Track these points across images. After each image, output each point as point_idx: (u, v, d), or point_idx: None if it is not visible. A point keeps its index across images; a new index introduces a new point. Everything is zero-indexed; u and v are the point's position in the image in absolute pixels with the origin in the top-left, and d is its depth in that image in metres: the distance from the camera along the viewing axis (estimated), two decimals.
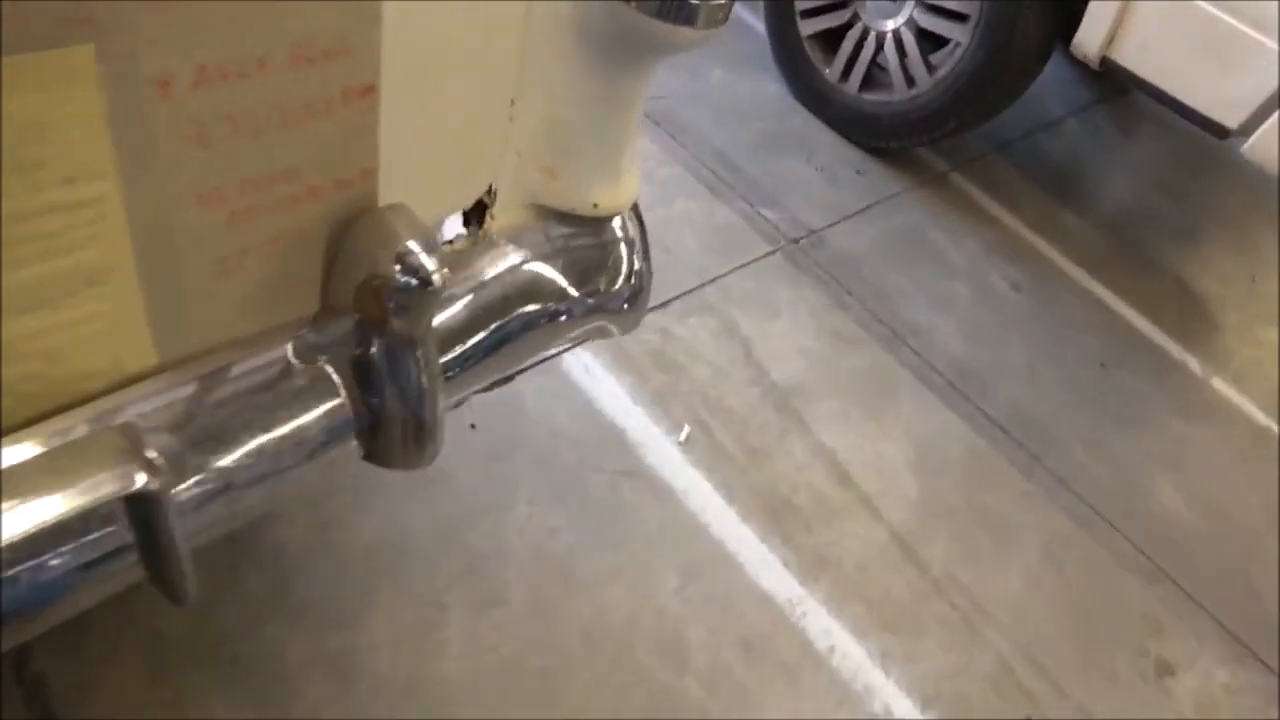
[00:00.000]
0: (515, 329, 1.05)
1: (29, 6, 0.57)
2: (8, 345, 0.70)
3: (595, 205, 1.10)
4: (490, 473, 1.63)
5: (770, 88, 2.73)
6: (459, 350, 1.00)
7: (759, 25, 2.81)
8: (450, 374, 1.00)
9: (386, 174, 0.88)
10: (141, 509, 0.74)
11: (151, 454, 0.76)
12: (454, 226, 1.10)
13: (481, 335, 1.01)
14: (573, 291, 1.08)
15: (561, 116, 1.02)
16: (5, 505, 0.67)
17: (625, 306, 1.20)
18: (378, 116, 0.81)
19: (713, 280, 2.13)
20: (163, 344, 0.81)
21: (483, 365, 1.04)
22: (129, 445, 0.74)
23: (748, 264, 2.20)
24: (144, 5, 0.62)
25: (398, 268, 0.83)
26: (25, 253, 0.67)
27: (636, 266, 1.18)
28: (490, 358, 1.04)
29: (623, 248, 1.16)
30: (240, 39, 0.68)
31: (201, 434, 0.84)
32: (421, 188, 0.95)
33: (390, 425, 0.92)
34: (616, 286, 1.17)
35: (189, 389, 0.85)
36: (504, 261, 1.05)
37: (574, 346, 1.22)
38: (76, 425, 0.76)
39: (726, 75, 2.73)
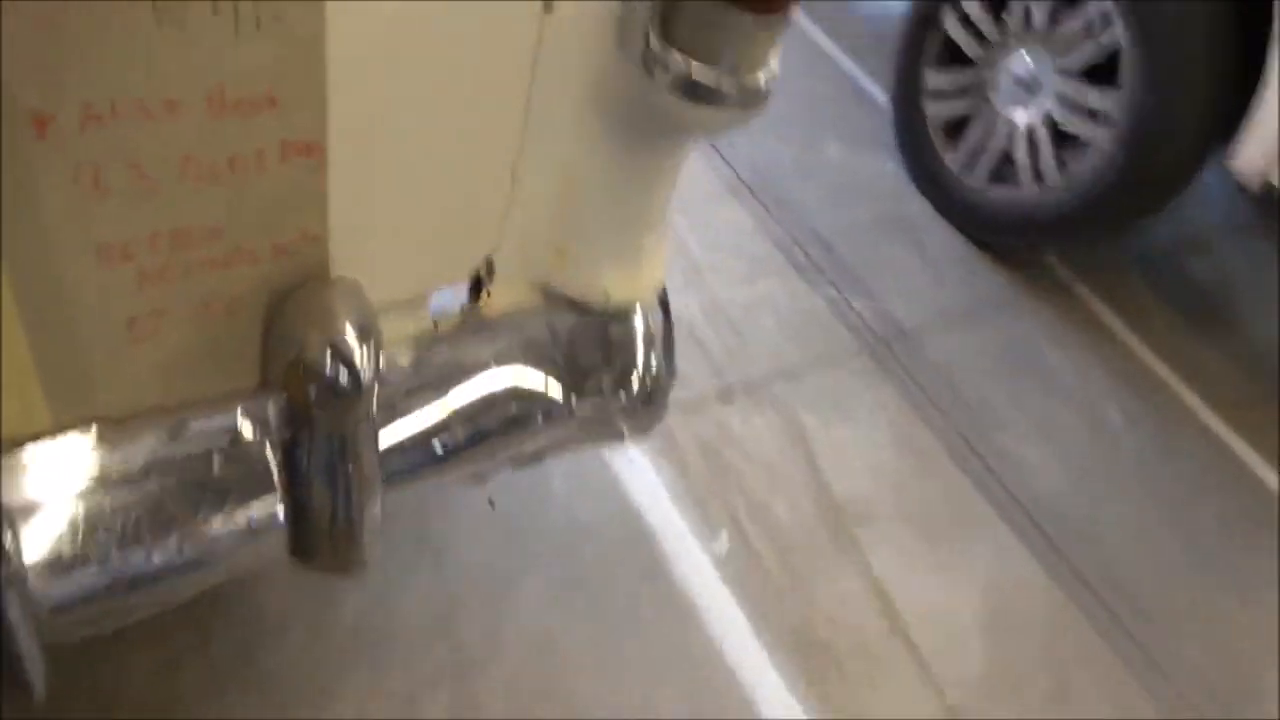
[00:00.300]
0: (491, 427, 0.92)
1: None
2: None
3: (607, 294, 0.98)
4: (500, 556, 1.50)
5: (886, 167, 2.56)
6: (420, 445, 0.88)
7: (883, 98, 2.65)
8: (405, 470, 0.88)
9: (349, 240, 0.78)
10: None
11: (6, 536, 0.66)
12: (451, 298, 1.00)
13: (449, 431, 0.89)
14: (563, 392, 0.95)
15: (573, 192, 0.90)
16: None
17: (636, 408, 1.06)
18: (324, 177, 0.70)
19: (785, 373, 1.96)
20: (59, 404, 0.71)
21: (449, 464, 0.91)
22: None
23: (827, 360, 2.03)
24: (7, 35, 0.53)
25: (327, 354, 0.72)
26: None
27: (653, 365, 1.04)
28: (458, 457, 0.91)
29: (637, 343, 1.02)
30: (138, 77, 0.58)
31: (94, 516, 0.74)
32: (397, 257, 0.85)
33: (313, 523, 0.80)
34: (626, 387, 1.03)
35: (97, 456, 0.75)
36: (489, 348, 0.93)
37: (575, 448, 1.09)
38: None
39: (841, 149, 2.57)
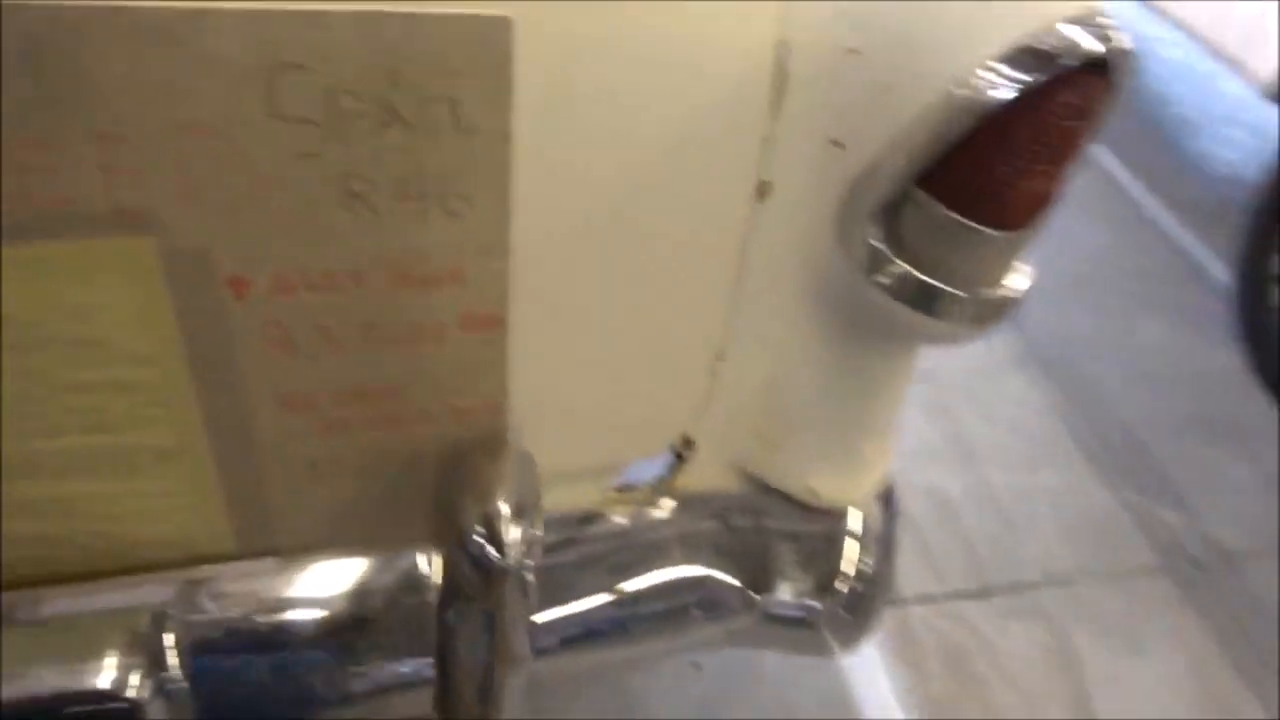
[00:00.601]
0: (660, 612, 0.85)
1: (79, 195, 0.54)
2: (68, 502, 0.68)
3: (815, 492, 0.88)
4: None
5: (1219, 358, 2.21)
6: (580, 622, 0.83)
7: (1223, 277, 2.31)
8: (561, 646, 0.83)
9: (537, 409, 0.76)
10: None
11: (170, 661, 0.70)
12: (645, 466, 0.95)
13: (614, 611, 0.84)
14: (746, 587, 0.86)
15: (782, 385, 0.83)
16: None
17: (839, 617, 0.94)
18: (504, 350, 0.70)
19: (1058, 580, 1.70)
20: (244, 534, 0.75)
21: (610, 645, 0.85)
22: (137, 642, 0.69)
23: (1117, 573, 1.74)
24: (211, 209, 0.57)
25: (478, 529, 0.69)
26: (82, 422, 0.64)
27: (863, 573, 0.93)
28: (621, 639, 0.85)
29: (844, 548, 0.91)
30: (324, 253, 0.61)
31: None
32: (587, 429, 0.82)
33: (454, 686, 0.77)
34: (829, 593, 0.92)
35: (273, 583, 0.79)
36: (672, 528, 0.87)
37: (767, 647, 0.98)
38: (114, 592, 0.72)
39: (1163, 330, 2.26)
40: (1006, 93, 0.57)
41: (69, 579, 0.73)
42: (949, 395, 1.96)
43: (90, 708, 0.66)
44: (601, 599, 0.82)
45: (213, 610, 0.74)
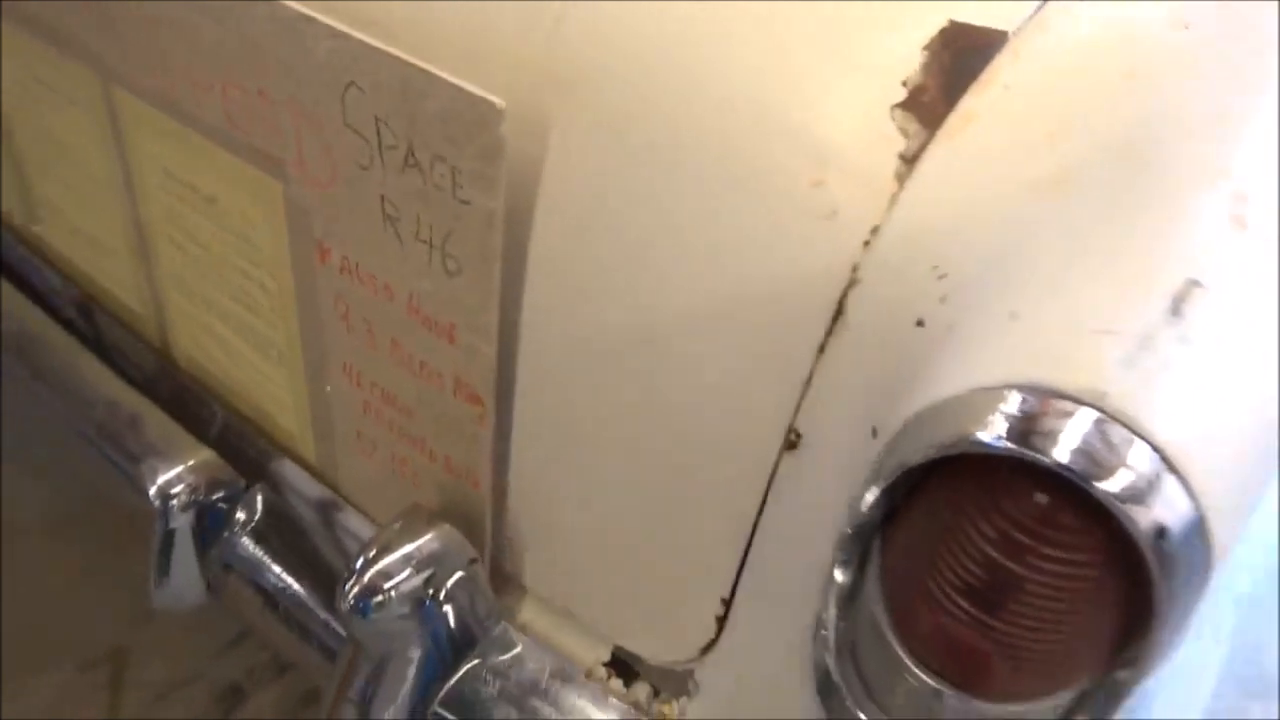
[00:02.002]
0: None
1: (254, 132, 0.69)
2: (226, 343, 0.87)
3: None
4: None
5: None
6: None
7: None
8: None
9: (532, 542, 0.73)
10: None
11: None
12: None
13: None
14: None
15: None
16: None
17: None
18: (489, 432, 0.68)
19: None
20: (321, 459, 0.86)
21: None
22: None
23: None
24: (310, 181, 0.67)
25: (380, 573, 0.69)
26: (242, 299, 0.82)
27: None
28: None
29: None
30: (371, 257, 0.67)
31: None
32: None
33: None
34: None
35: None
36: None
37: None
38: None
39: None
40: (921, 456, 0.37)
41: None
42: None
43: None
44: None
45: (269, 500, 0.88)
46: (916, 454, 0.37)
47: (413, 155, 0.59)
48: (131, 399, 0.92)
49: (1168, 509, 0.32)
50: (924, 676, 0.42)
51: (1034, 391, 0.34)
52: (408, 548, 0.69)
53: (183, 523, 0.86)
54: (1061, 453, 0.32)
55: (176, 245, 0.86)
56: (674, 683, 0.74)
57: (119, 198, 0.88)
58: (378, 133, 0.60)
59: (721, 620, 0.67)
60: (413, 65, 0.55)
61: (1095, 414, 0.32)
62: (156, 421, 0.90)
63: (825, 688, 0.51)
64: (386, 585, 0.68)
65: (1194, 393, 0.34)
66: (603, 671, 0.77)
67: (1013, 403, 0.34)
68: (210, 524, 0.87)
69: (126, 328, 0.98)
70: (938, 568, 0.39)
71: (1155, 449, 0.33)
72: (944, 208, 0.47)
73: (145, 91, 0.77)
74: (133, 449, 0.88)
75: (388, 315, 0.69)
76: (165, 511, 0.85)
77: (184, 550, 0.87)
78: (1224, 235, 0.39)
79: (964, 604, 0.38)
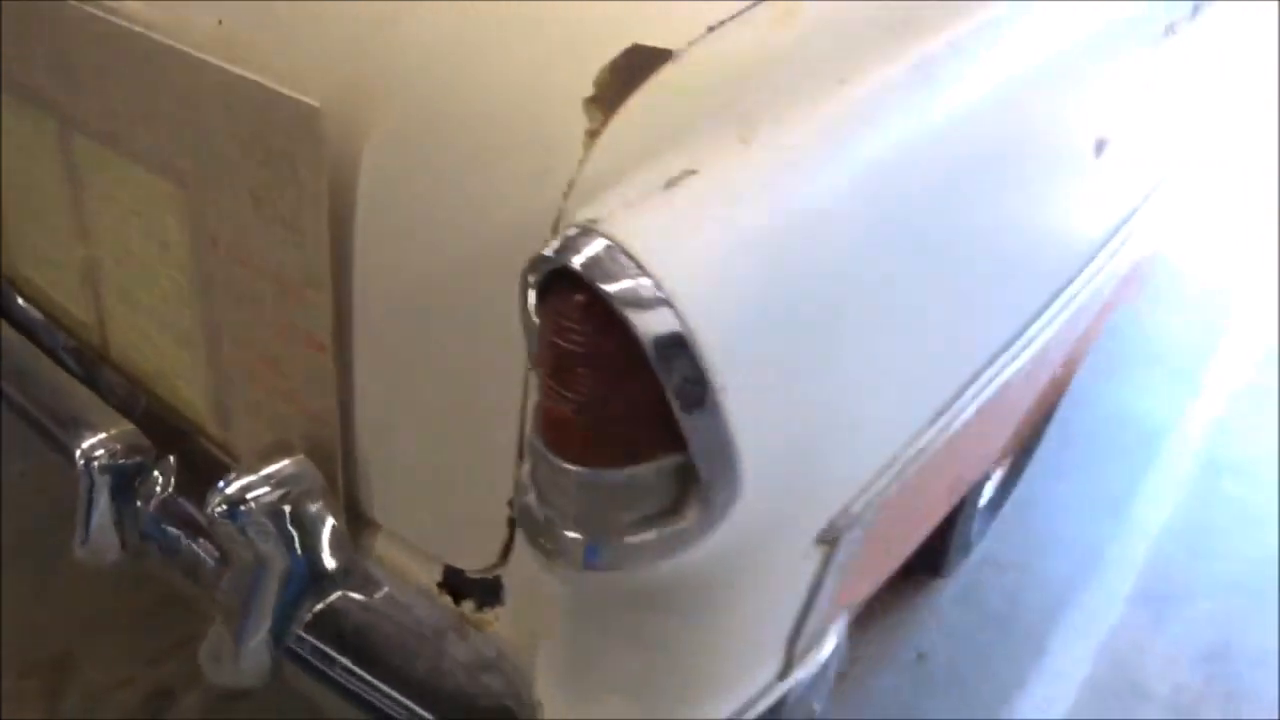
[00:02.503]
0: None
1: (156, 146, 0.90)
2: (147, 333, 1.06)
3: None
4: None
5: None
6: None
7: None
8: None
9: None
10: None
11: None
12: None
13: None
14: None
15: None
16: None
17: None
18: (332, 374, 0.86)
19: None
20: (219, 425, 1.04)
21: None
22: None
23: None
24: (199, 182, 0.88)
25: (242, 487, 0.87)
26: (165, 289, 1.01)
27: None
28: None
29: None
30: (247, 240, 0.87)
31: None
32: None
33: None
34: None
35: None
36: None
37: None
38: None
39: None
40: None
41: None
42: None
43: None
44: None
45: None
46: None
47: (267, 153, 0.79)
48: (73, 387, 1.11)
49: (656, 315, 0.51)
50: (554, 459, 0.59)
51: (577, 225, 0.53)
52: (268, 469, 0.87)
53: (102, 484, 1.03)
54: (579, 261, 0.51)
55: (116, 260, 1.06)
56: (490, 593, 0.90)
57: (73, 225, 1.09)
58: (244, 140, 0.81)
59: (512, 523, 0.83)
60: (255, 82, 0.76)
61: (606, 241, 0.51)
62: (90, 403, 1.08)
63: (531, 526, 0.67)
64: (249, 496, 0.86)
65: (678, 239, 0.54)
66: (437, 590, 0.93)
67: (566, 232, 0.53)
68: (126, 487, 1.04)
69: (73, 335, 1.17)
70: (539, 361, 0.57)
71: (642, 267, 0.52)
72: (611, 164, 0.67)
73: (94, 133, 0.98)
74: (66, 423, 1.06)
75: (261, 288, 0.88)
76: (88, 472, 1.02)
77: (102, 510, 1.04)
78: (729, 146, 0.59)
79: (551, 383, 0.56)
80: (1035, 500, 1.99)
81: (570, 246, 0.52)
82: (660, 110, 0.68)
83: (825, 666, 0.94)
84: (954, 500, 1.16)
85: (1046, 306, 1.00)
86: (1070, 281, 1.03)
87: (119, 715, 1.49)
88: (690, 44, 0.71)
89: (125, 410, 1.09)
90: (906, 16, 0.75)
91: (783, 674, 0.88)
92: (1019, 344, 0.96)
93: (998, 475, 1.80)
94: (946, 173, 0.72)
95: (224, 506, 0.85)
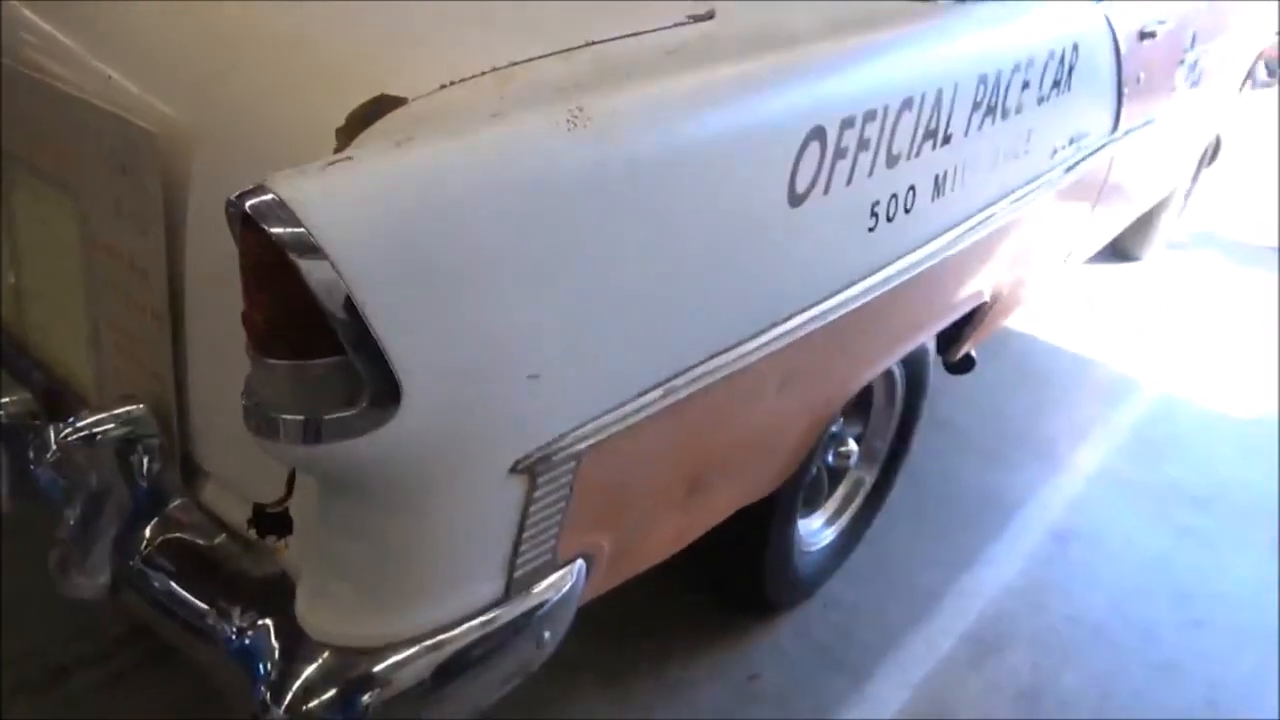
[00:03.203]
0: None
1: (57, 165, 1.19)
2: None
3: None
4: None
5: None
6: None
7: None
8: None
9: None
10: None
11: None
12: None
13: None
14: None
15: None
16: None
17: None
18: (168, 340, 1.11)
19: None
20: (100, 386, 1.29)
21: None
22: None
23: None
24: (86, 189, 1.16)
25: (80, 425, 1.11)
26: (65, 296, 1.28)
27: None
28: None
29: None
30: (114, 234, 1.14)
31: None
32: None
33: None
34: None
35: None
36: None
37: None
38: None
39: None
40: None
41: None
42: None
43: None
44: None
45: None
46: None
47: (122, 167, 1.08)
48: None
49: (297, 237, 0.78)
50: (254, 355, 0.83)
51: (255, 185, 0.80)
52: (114, 410, 1.12)
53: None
54: (249, 204, 0.78)
55: (33, 268, 1.34)
56: (283, 524, 1.13)
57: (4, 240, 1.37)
58: (107, 158, 1.09)
59: None
60: (113, 113, 1.05)
61: (270, 193, 0.78)
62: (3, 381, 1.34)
63: (269, 430, 0.90)
64: (96, 431, 1.10)
65: (322, 193, 0.80)
66: (247, 526, 1.16)
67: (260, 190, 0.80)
68: (19, 447, 1.28)
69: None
70: (242, 282, 0.83)
71: (287, 206, 0.78)
72: (338, 181, 0.93)
73: (16, 158, 1.28)
74: None
75: (120, 273, 1.15)
76: None
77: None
78: (386, 148, 0.86)
79: (246, 296, 0.81)
80: (889, 554, 2.18)
81: (244, 197, 0.79)
82: (380, 135, 0.96)
83: (552, 603, 1.14)
84: (694, 490, 1.36)
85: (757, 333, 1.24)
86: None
87: (16, 684, 1.69)
88: (421, 96, 1.00)
89: (29, 385, 1.34)
90: (595, 81, 1.04)
91: (504, 598, 1.09)
92: (728, 355, 1.20)
93: (819, 520, 2.01)
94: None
95: (75, 436, 1.09)
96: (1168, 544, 2.37)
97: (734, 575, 1.85)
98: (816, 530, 2.01)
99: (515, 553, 1.07)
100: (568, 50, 1.10)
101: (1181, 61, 2.68)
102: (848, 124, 1.27)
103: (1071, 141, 2.03)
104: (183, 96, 1.10)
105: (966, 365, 2.38)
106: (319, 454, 0.88)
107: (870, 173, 1.35)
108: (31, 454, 1.27)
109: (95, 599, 1.18)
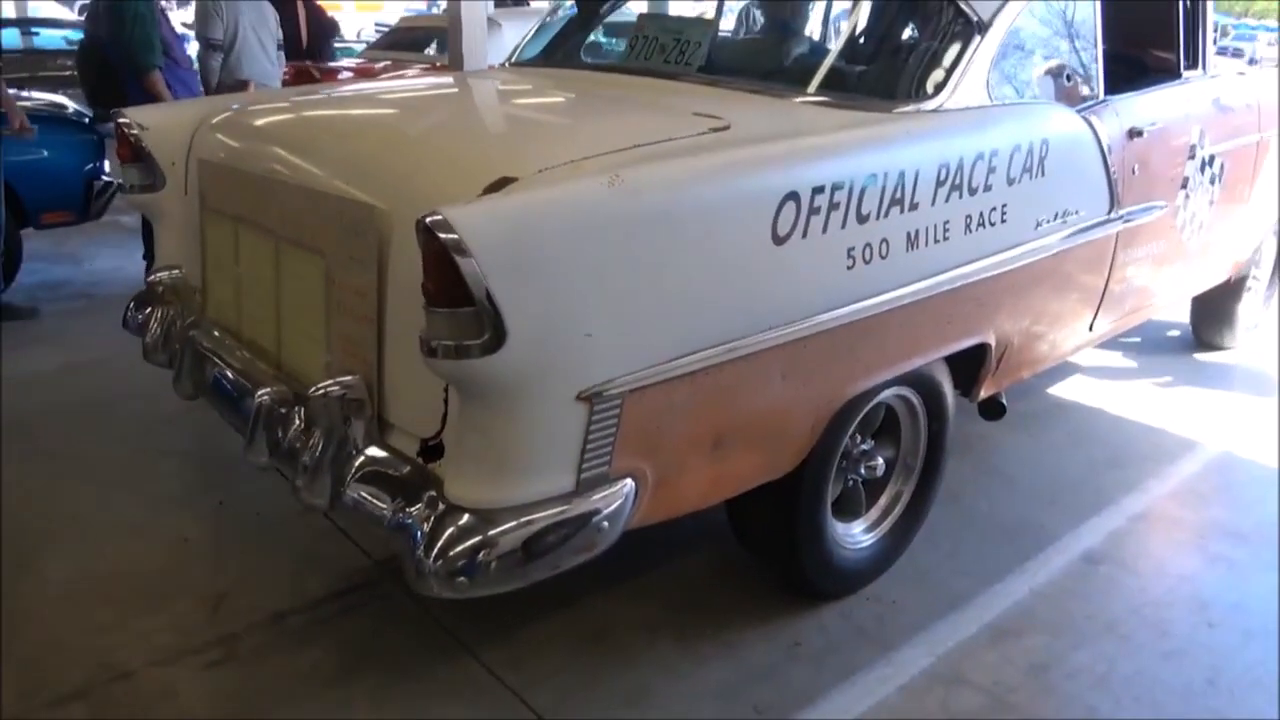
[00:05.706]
0: None
1: (301, 230, 1.93)
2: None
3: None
4: None
5: None
6: None
7: None
8: None
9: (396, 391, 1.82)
10: None
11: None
12: None
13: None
14: None
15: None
16: None
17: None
18: (374, 335, 1.79)
19: None
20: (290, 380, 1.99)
21: None
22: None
23: None
24: (326, 255, 1.90)
25: (297, 403, 1.79)
26: (299, 312, 2.01)
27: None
28: None
29: None
30: (356, 278, 1.86)
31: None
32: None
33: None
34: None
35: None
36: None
37: None
38: None
39: None
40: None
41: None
42: None
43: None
44: None
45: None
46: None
47: (352, 232, 1.79)
48: (258, 374, 2.10)
49: (452, 241, 1.43)
50: (428, 308, 1.48)
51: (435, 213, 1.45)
52: (341, 379, 1.80)
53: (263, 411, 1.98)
54: (432, 224, 1.44)
55: (286, 300, 2.08)
56: (439, 451, 1.75)
57: (267, 287, 2.12)
58: (343, 226, 1.82)
59: (445, 402, 1.70)
60: (341, 195, 1.78)
61: (441, 216, 1.43)
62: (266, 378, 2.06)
63: (434, 352, 1.54)
64: (332, 390, 1.78)
65: (477, 215, 1.46)
66: (419, 457, 1.79)
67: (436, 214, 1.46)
68: (276, 420, 1.98)
69: (252, 350, 2.19)
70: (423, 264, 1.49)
71: (450, 225, 1.43)
72: (478, 212, 1.60)
73: (273, 232, 2.04)
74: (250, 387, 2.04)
75: (349, 299, 1.85)
76: (258, 406, 1.98)
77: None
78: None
79: (425, 272, 1.47)
80: (930, 565, 2.58)
81: (428, 218, 1.45)
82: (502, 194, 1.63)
83: (608, 512, 1.69)
84: (718, 446, 1.89)
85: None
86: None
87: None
88: (525, 175, 1.67)
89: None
90: (631, 161, 1.69)
91: (574, 494, 1.66)
92: (734, 343, 1.77)
93: (859, 526, 2.45)
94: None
95: (320, 390, 1.77)
96: (1197, 567, 2.64)
97: (772, 550, 2.32)
98: (857, 534, 2.46)
99: (582, 458, 1.65)
100: (619, 150, 1.76)
101: (1192, 156, 3.12)
102: (818, 190, 1.86)
103: (1057, 216, 2.52)
104: (387, 188, 1.83)
105: (997, 410, 2.80)
106: (459, 368, 1.51)
107: (843, 225, 1.93)
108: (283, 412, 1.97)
109: (320, 508, 1.83)
